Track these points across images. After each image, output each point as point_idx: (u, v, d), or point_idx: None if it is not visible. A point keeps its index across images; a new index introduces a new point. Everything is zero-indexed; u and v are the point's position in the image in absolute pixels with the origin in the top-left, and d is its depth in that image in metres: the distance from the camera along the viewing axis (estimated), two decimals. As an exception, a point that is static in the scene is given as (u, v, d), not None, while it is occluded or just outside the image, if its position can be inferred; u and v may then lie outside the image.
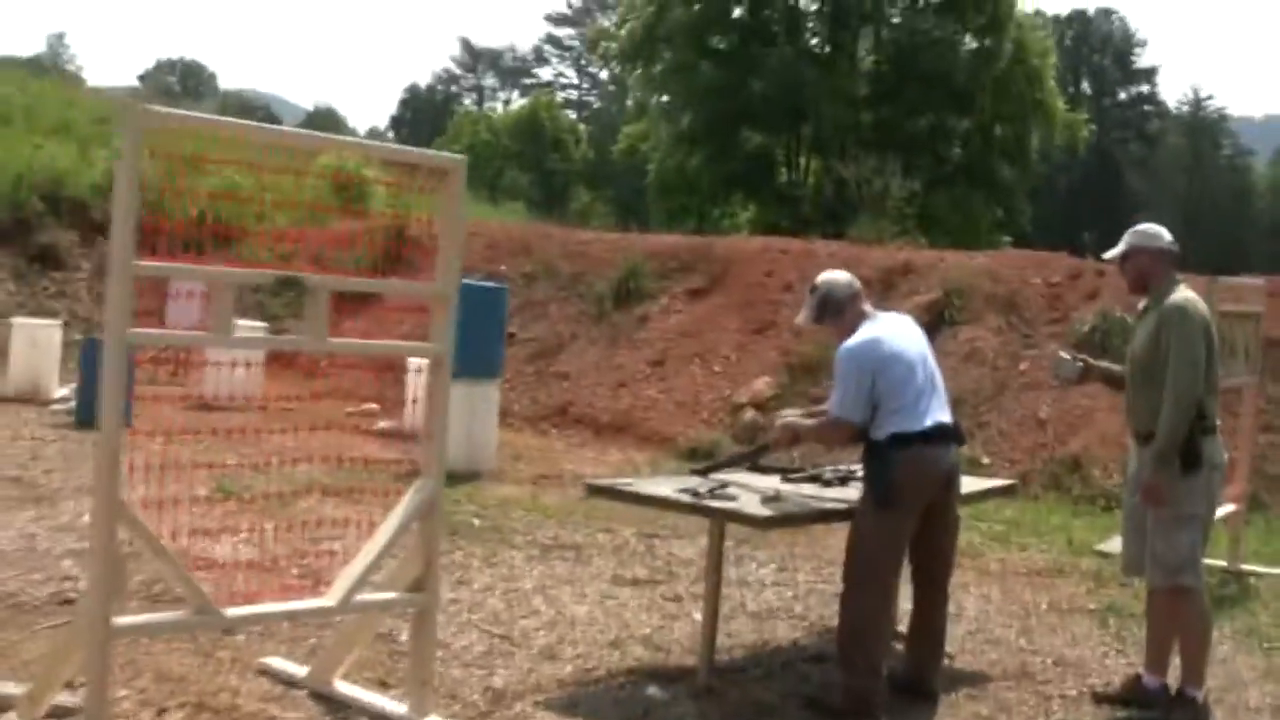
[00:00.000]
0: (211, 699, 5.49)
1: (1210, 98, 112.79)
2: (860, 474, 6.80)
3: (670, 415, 16.56)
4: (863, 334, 6.14)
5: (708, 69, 37.59)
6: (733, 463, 7.05)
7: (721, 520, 6.16)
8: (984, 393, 15.65)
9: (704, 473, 6.79)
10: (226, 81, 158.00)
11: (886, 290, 17.73)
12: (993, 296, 17.32)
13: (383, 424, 15.55)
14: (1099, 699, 6.49)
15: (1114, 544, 10.80)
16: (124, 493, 4.52)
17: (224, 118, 5.62)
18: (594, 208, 58.32)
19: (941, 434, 6.11)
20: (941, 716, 6.17)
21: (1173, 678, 6.40)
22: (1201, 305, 6.37)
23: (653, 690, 6.16)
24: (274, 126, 6.47)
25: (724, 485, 6.39)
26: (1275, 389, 13.84)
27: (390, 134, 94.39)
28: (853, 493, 6.57)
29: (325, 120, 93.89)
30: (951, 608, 7.45)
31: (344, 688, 5.66)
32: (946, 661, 6.87)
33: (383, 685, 5.91)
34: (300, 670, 5.85)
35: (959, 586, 8.72)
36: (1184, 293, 6.33)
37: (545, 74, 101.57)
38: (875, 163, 28.83)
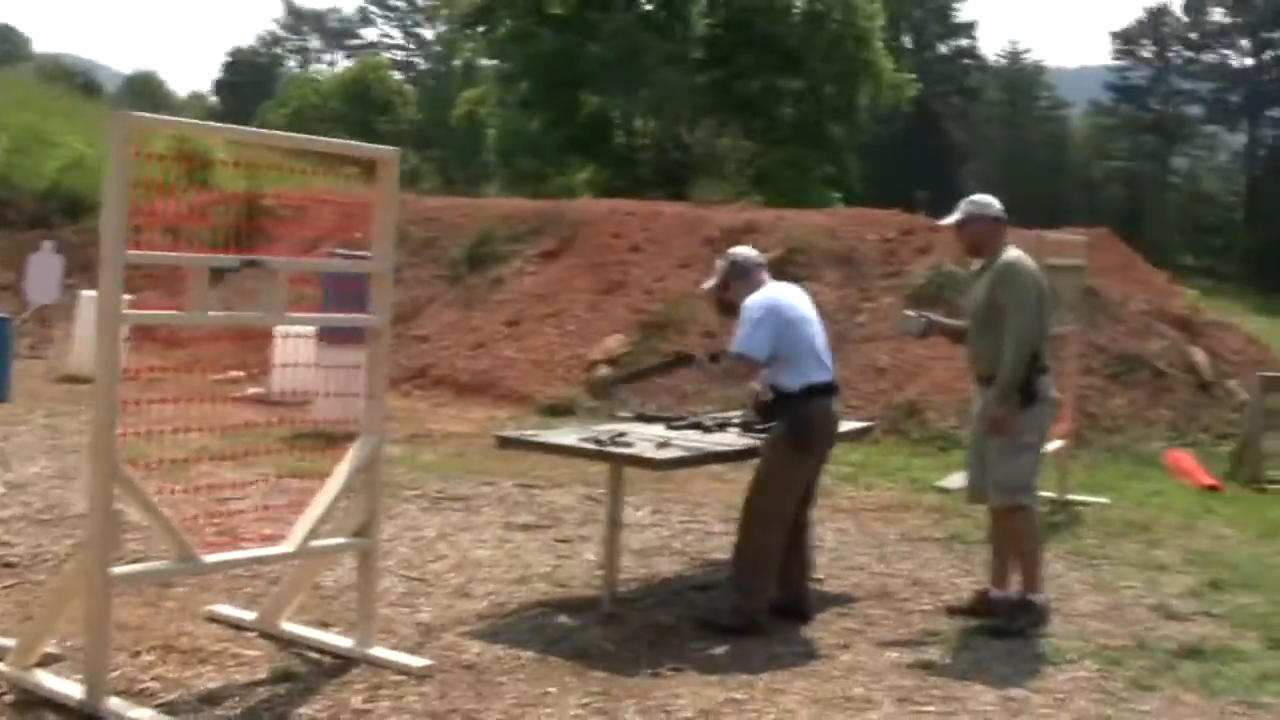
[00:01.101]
0: (175, 642, 6.10)
1: (1028, 51, 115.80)
2: (735, 420, 7.66)
3: (527, 374, 17.22)
4: (762, 294, 6.97)
5: (546, 35, 38.06)
6: (641, 375, 7.87)
7: (621, 464, 6.92)
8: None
9: (618, 382, 7.61)
10: (42, 45, 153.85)
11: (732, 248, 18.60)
12: (831, 253, 18.30)
13: (251, 390, 16.01)
14: (952, 611, 7.38)
15: (953, 480, 11.80)
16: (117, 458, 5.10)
17: (204, 122, 6.18)
18: (421, 170, 58.49)
19: (834, 388, 7.08)
20: (817, 630, 6.98)
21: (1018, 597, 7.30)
22: (1030, 260, 7.27)
23: (563, 619, 6.90)
24: (245, 128, 6.96)
25: (622, 434, 7.14)
26: (1095, 335, 14.97)
27: (213, 98, 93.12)
28: (731, 437, 7.40)
29: (145, 85, 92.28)
30: (814, 539, 8.35)
31: (291, 628, 6.29)
32: (815, 584, 7.73)
33: (323, 625, 6.56)
34: (247, 615, 6.48)
35: (817, 521, 9.60)
36: (1014, 251, 7.21)
37: (370, 34, 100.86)
38: (714, 125, 29.60)
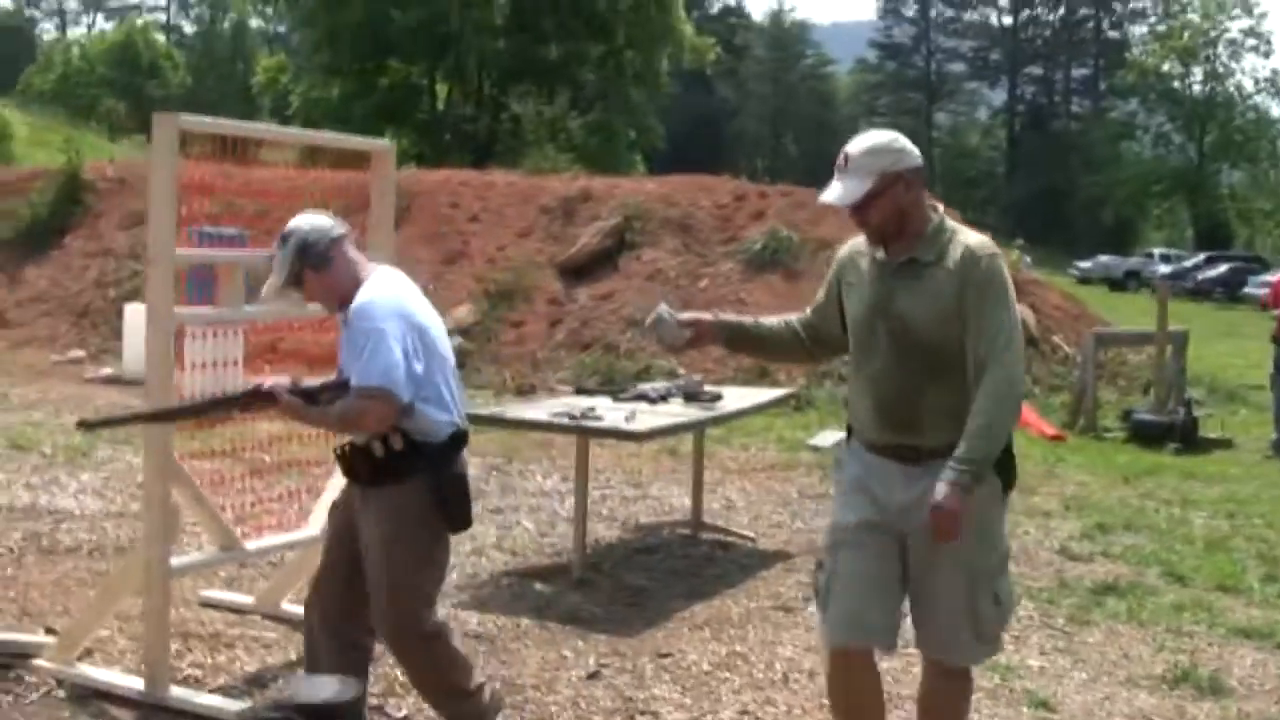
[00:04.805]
0: (188, 628, 6.25)
1: (793, 9, 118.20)
2: (677, 390, 8.07)
3: (380, 346, 17.37)
4: (383, 289, 4.51)
5: (354, 2, 37.73)
6: (181, 415, 5.07)
7: (589, 437, 7.30)
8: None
9: (98, 425, 5.15)
10: None
11: (569, 218, 19.08)
12: (668, 220, 18.84)
13: (104, 370, 15.87)
14: None
15: (822, 438, 12.43)
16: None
17: (248, 122, 6.35)
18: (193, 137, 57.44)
19: (467, 435, 4.73)
20: (774, 585, 7.43)
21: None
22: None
23: (539, 586, 7.24)
24: (279, 129, 6.99)
25: (591, 409, 7.48)
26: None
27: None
28: (678, 407, 7.82)
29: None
30: (720, 500, 8.90)
31: (293, 608, 6.49)
32: (749, 543, 8.23)
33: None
34: (242, 598, 6.67)
35: (718, 483, 10.11)
36: (973, 234, 4.16)
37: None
38: (521, 91, 29.88)
